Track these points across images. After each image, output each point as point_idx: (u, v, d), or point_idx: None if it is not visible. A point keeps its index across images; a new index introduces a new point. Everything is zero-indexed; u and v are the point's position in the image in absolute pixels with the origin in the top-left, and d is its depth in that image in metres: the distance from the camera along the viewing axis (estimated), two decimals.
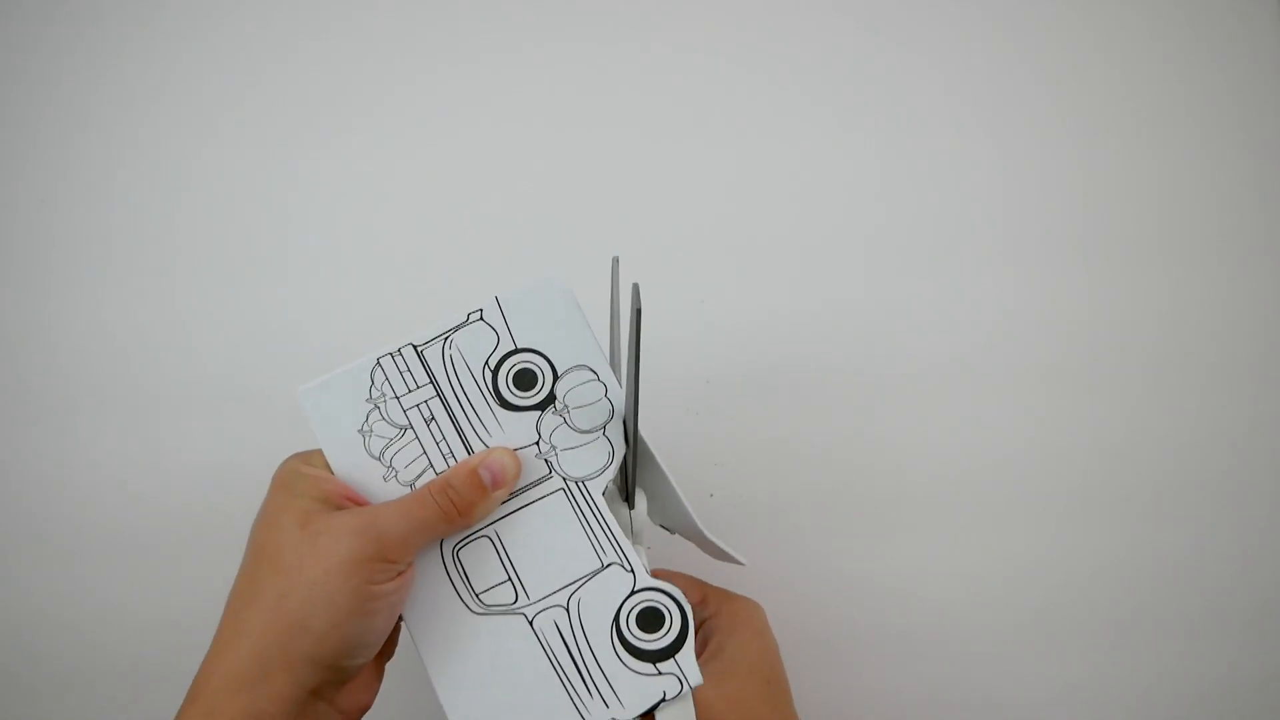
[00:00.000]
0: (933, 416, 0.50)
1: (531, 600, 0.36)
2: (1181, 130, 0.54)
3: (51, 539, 0.47)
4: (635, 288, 0.33)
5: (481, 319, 0.37)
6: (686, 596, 0.38)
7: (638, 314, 0.33)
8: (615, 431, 0.37)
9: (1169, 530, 0.51)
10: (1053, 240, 0.52)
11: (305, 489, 0.34)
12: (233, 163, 0.50)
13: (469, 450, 0.37)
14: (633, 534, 0.38)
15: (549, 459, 0.37)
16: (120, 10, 0.51)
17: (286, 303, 0.49)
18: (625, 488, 0.38)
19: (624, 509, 0.38)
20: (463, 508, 0.35)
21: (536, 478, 0.37)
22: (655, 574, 0.37)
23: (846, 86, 0.53)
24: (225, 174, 0.50)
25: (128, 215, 0.50)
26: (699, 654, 0.37)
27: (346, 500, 0.35)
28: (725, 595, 0.40)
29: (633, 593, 0.36)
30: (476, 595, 0.36)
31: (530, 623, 0.36)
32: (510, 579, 0.36)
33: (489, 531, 0.36)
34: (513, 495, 0.36)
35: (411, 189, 0.51)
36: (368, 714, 0.36)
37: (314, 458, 0.36)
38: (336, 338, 0.49)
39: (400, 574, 0.34)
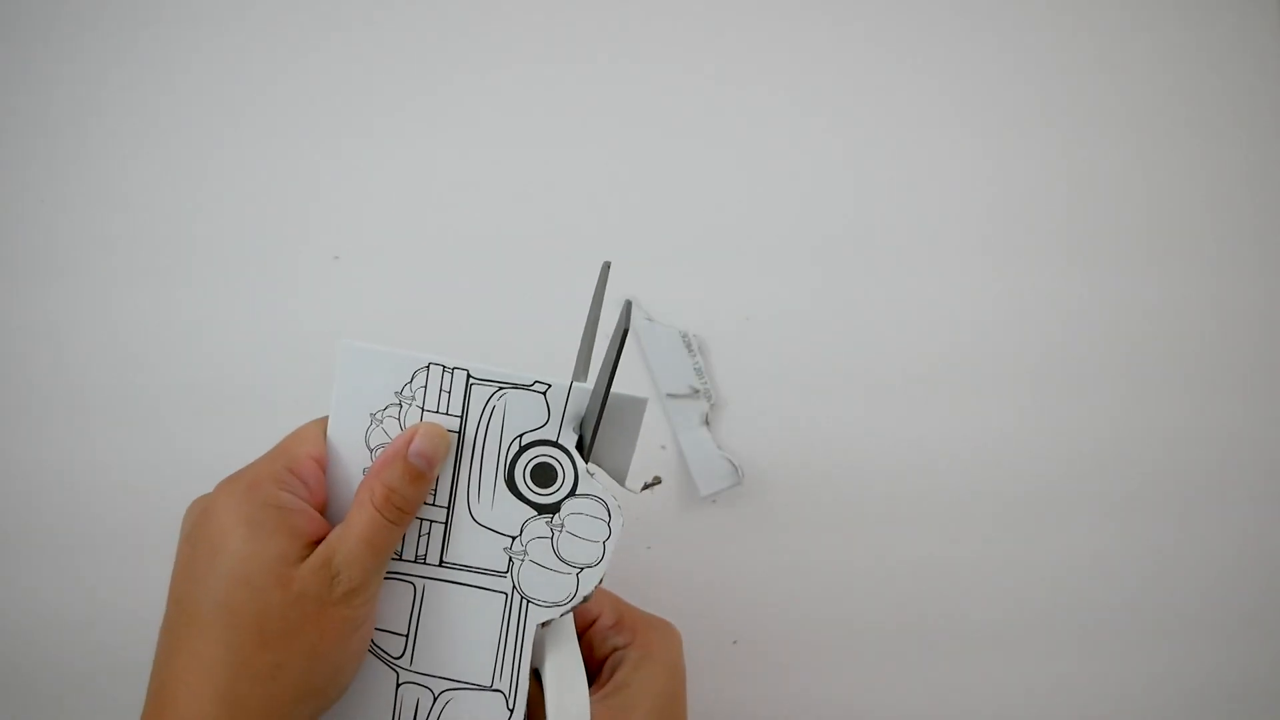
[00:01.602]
0: (923, 415, 0.50)
1: (410, 668, 0.34)
2: (1171, 129, 0.54)
3: (58, 538, 0.46)
4: (628, 305, 0.32)
5: (544, 394, 0.34)
6: (602, 619, 0.37)
7: (624, 333, 0.32)
8: (589, 582, 0.34)
9: (1159, 528, 0.50)
10: (1044, 239, 0.52)
11: (273, 526, 0.32)
12: (241, 164, 0.50)
13: (452, 493, 0.34)
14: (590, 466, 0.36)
15: (513, 559, 0.34)
16: (129, 8, 0.51)
17: (295, 304, 0.49)
18: (587, 444, 0.35)
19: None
20: (410, 510, 0.33)
21: (494, 568, 0.34)
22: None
23: (838, 87, 0.52)
24: (234, 175, 0.50)
25: (136, 216, 0.49)
26: (602, 684, 0.36)
27: (314, 515, 0.33)
28: (641, 621, 0.38)
29: None
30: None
31: (398, 686, 0.34)
32: (407, 636, 0.34)
33: (418, 581, 0.35)
34: (464, 568, 0.34)
35: (422, 196, 0.50)
36: None
37: (248, 476, 0.33)
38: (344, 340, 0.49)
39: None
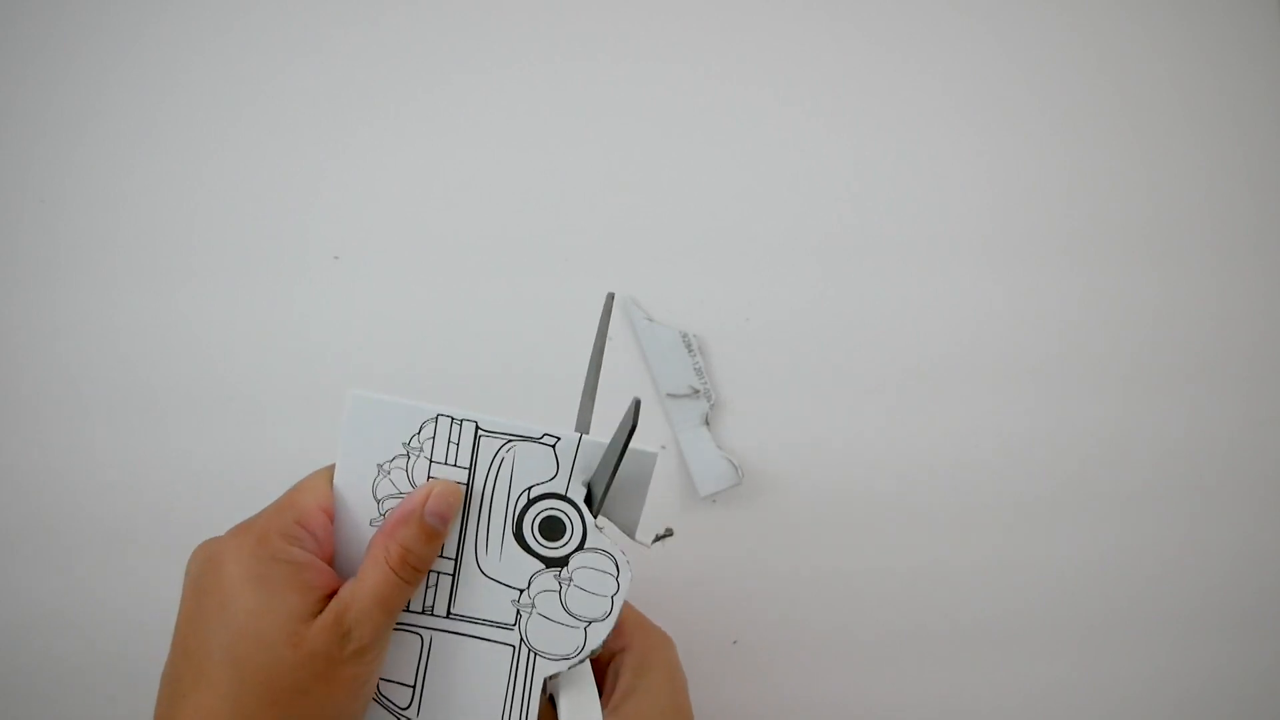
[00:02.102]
0: (923, 415, 0.50)
1: (418, 718, 0.34)
2: (1171, 129, 0.54)
3: (57, 538, 0.46)
4: (636, 403, 0.31)
5: (553, 447, 0.34)
6: None
7: (631, 430, 0.31)
8: (596, 636, 0.34)
9: (1159, 529, 0.51)
10: (1044, 238, 0.52)
11: (284, 582, 0.31)
12: (242, 164, 0.50)
13: (460, 545, 0.34)
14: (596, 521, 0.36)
15: (521, 612, 0.34)
16: (129, 8, 0.51)
17: (295, 304, 0.49)
18: (596, 500, 0.36)
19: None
20: (425, 569, 0.33)
21: (502, 620, 0.34)
22: None
23: (839, 87, 0.53)
24: (235, 175, 0.50)
25: (136, 216, 0.49)
26: (609, 692, 0.35)
27: (324, 568, 0.33)
28: (639, 626, 0.38)
29: None
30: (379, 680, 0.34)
31: None
32: (415, 687, 0.34)
33: (425, 633, 0.34)
34: (472, 620, 0.34)
35: (423, 196, 0.50)
36: None
37: (258, 527, 0.33)
38: (344, 342, 0.49)
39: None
